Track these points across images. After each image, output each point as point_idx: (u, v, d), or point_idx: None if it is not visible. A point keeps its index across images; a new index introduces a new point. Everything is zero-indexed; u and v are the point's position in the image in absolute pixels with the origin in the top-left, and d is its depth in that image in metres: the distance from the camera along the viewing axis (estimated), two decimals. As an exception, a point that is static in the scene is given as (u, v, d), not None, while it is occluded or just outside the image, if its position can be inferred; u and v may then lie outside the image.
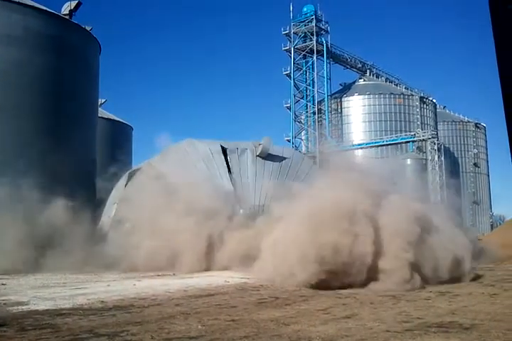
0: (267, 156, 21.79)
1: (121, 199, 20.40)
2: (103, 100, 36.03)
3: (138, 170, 21.57)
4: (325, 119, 44.02)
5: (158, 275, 13.91)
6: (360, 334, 5.72)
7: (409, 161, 39.10)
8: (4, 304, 8.69)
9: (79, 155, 21.08)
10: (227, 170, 20.55)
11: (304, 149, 44.66)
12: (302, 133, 46.65)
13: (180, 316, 7.15)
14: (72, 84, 22.02)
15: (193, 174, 20.03)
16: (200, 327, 6.32)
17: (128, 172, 21.97)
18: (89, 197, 21.26)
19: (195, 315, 7.27)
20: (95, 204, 21.71)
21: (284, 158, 22.77)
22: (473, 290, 9.68)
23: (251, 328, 6.16)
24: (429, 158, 41.08)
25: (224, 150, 21.43)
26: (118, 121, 36.04)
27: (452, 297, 8.82)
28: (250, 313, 7.33)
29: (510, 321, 6.32)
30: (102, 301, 8.87)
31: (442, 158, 41.36)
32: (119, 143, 32.75)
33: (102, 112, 32.35)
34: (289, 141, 46.07)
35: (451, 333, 5.68)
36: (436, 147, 40.89)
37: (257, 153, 21.66)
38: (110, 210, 21.00)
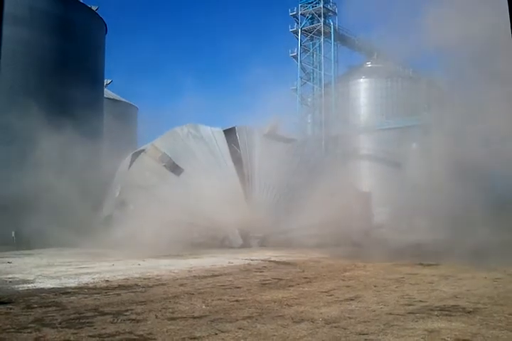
0: (275, 137, 21.76)
1: (126, 181, 20.47)
2: (109, 80, 35.90)
3: (142, 151, 21.59)
4: (332, 102, 43.67)
5: (164, 256, 14.00)
6: (363, 316, 5.74)
7: (414, 145, 38.87)
8: (10, 282, 8.79)
9: (87, 136, 21.06)
10: (229, 155, 20.49)
11: (310, 132, 44.42)
12: (308, 116, 46.35)
13: (184, 296, 7.21)
14: (78, 64, 21.91)
15: (197, 158, 20.06)
16: (204, 307, 6.36)
17: (132, 153, 21.99)
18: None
19: (199, 295, 7.32)
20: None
21: (291, 140, 22.72)
22: (476, 274, 9.68)
23: (254, 309, 6.20)
24: (435, 143, 40.75)
25: (232, 129, 21.39)
26: (123, 102, 35.95)
27: (455, 281, 8.83)
28: (254, 294, 7.38)
29: (513, 305, 6.33)
30: (107, 280, 8.95)
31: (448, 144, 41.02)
32: (124, 123, 32.72)
33: (108, 92, 32.26)
34: (295, 123, 45.79)
35: (454, 317, 5.69)
36: (442, 133, 40.51)
37: (265, 133, 21.61)
38: (114, 191, 21.09)
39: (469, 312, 5.95)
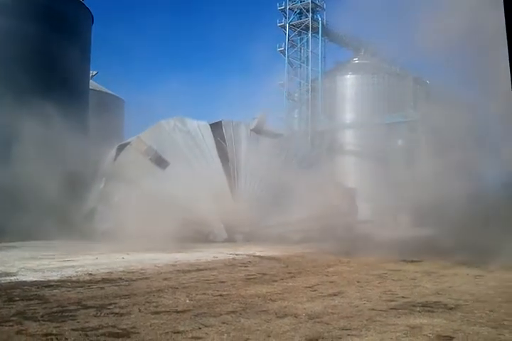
0: (261, 132, 21.78)
1: (111, 173, 20.35)
2: (94, 72, 35.53)
3: (127, 144, 21.45)
4: (318, 97, 43.74)
5: (148, 250, 13.95)
6: (345, 311, 5.79)
7: (400, 142, 39.13)
8: (-8, 274, 8.70)
9: (72, 128, 20.85)
10: (215, 149, 20.49)
11: (296, 127, 44.48)
12: (295, 111, 46.39)
13: (168, 290, 7.20)
14: (63, 54, 21.61)
15: (182, 152, 20.03)
16: (187, 301, 6.36)
17: (117, 145, 21.84)
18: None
19: (183, 289, 7.31)
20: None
21: (278, 135, 22.75)
22: (458, 271, 9.80)
23: (238, 303, 6.21)
24: (420, 140, 41.06)
25: (219, 124, 21.37)
26: (109, 94, 35.63)
27: (438, 277, 8.93)
28: (238, 289, 7.39)
29: (493, 302, 6.41)
30: (90, 274, 8.91)
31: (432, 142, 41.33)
32: (110, 115, 32.44)
33: (93, 84, 31.94)
34: (281, 119, 45.81)
35: (436, 313, 5.75)
36: (427, 130, 40.79)
37: (252, 128, 21.61)
38: (99, 184, 20.96)
39: (451, 308, 6.02)
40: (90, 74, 29.03)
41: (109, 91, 36.07)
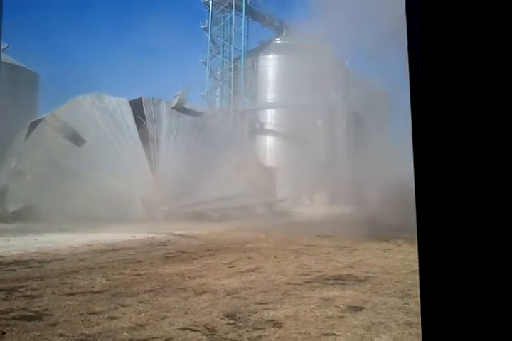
0: (183, 109, 21.51)
1: (23, 151, 19.33)
2: (6, 45, 33.10)
3: (41, 120, 20.39)
4: (241, 77, 43.68)
5: (63, 230, 13.48)
6: (262, 286, 5.94)
7: (320, 123, 40.11)
8: None
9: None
10: (135, 126, 20.02)
11: (218, 105, 44.26)
12: (217, 90, 46.10)
13: (83, 271, 7.03)
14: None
15: (100, 129, 19.39)
16: (104, 281, 6.25)
17: (30, 122, 20.71)
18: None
19: (100, 269, 7.17)
20: None
21: (200, 113, 22.58)
22: (369, 245, 10.34)
23: (156, 282, 6.20)
24: (340, 122, 42.30)
25: (139, 101, 20.85)
26: (21, 67, 33.47)
27: (350, 251, 9.37)
28: (156, 268, 7.36)
29: (399, 273, 6.84)
30: (1, 256, 8.49)
31: (351, 123, 42.72)
32: (23, 91, 30.51)
33: (5, 57, 29.79)
34: (203, 97, 45.36)
35: (347, 285, 6.06)
36: (346, 112, 42.08)
37: (173, 105, 21.29)
38: (10, 162, 19.86)
39: (361, 280, 6.36)
40: (1, 47, 27.05)
41: (22, 65, 33.84)
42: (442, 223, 0.59)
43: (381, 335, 3.99)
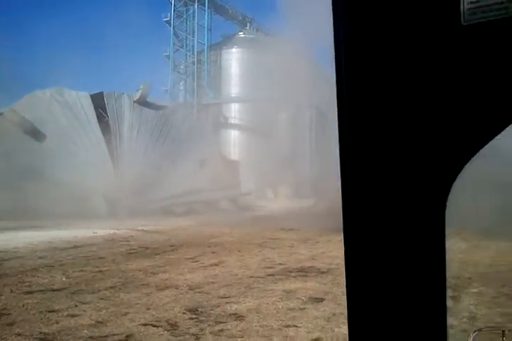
0: (145, 103, 21.25)
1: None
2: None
3: (-2, 115, 19.74)
4: (204, 70, 43.41)
5: (22, 227, 13.14)
6: (225, 280, 5.96)
7: (283, 116, 40.25)
8: None
9: None
10: (96, 121, 19.64)
11: (182, 99, 43.89)
12: (181, 84, 45.67)
13: (43, 269, 6.89)
14: None
15: (60, 124, 18.97)
16: (64, 279, 6.15)
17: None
18: None
19: (60, 267, 7.04)
20: None
21: (163, 107, 22.35)
22: (331, 237, 10.45)
23: (118, 278, 6.14)
24: (304, 116, 42.50)
25: (100, 95, 20.45)
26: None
27: (313, 244, 9.48)
28: (118, 264, 7.28)
29: (360, 265, 6.97)
30: (-45, 255, 8.23)
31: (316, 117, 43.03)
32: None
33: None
34: (167, 91, 44.88)
35: (310, 277, 6.14)
36: (311, 106, 42.33)
37: (135, 99, 20.99)
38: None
39: (323, 272, 6.45)
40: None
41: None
42: (368, 222, 0.61)
43: (341, 326, 4.07)
